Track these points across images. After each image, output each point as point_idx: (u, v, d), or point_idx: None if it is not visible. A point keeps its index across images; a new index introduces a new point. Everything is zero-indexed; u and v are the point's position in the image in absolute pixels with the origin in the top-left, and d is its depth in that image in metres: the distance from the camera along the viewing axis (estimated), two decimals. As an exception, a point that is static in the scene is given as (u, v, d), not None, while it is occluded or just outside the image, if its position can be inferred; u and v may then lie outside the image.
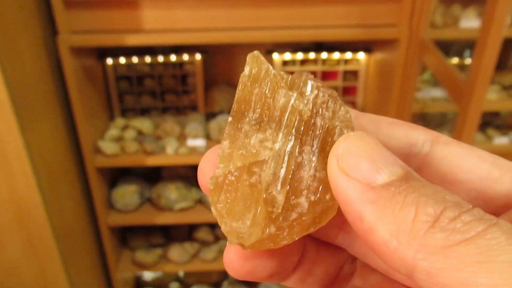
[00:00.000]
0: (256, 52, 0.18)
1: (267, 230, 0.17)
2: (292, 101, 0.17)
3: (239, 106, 0.18)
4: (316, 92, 0.18)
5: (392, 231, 0.13)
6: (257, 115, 0.18)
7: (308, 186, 0.17)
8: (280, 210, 0.17)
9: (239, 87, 0.18)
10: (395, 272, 0.15)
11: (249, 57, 0.18)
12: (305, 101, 0.17)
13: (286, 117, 0.17)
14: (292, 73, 0.18)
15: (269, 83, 0.18)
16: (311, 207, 0.17)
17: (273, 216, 0.17)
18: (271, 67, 0.18)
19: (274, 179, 0.17)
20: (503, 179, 0.16)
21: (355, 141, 0.15)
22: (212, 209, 0.18)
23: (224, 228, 0.17)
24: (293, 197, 0.17)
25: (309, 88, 0.18)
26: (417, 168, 0.18)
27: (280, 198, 0.17)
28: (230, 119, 0.18)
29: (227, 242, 0.18)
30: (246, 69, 0.18)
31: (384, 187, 0.14)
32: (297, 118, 0.17)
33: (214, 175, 0.18)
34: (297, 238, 0.17)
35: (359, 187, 0.14)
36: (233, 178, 0.17)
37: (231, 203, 0.17)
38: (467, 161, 0.17)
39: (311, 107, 0.17)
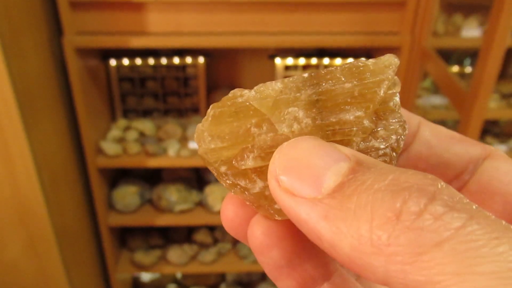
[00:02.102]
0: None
1: None
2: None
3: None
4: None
5: (353, 246, 0.12)
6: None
7: None
8: None
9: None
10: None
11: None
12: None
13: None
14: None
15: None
16: None
17: None
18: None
19: None
20: None
21: (288, 152, 0.14)
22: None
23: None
24: None
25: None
26: (466, 182, 0.18)
27: None
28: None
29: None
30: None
31: (331, 195, 0.12)
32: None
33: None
34: None
35: (307, 204, 0.13)
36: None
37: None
38: (508, 175, 0.16)
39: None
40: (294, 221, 0.13)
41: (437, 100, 1.23)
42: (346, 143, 0.16)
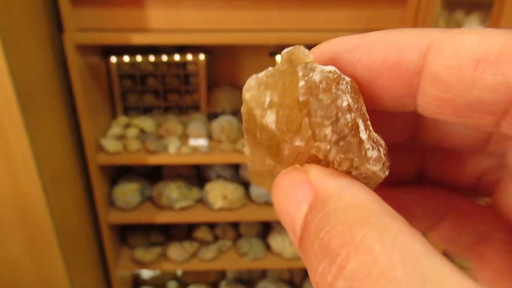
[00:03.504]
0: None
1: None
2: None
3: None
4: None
5: None
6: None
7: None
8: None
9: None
10: None
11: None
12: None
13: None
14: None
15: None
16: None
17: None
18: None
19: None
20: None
21: (275, 196, 0.14)
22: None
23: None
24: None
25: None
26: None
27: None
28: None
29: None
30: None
31: (300, 243, 0.13)
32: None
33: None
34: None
35: (296, 241, 0.14)
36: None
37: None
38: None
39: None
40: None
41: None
42: (326, 165, 0.15)
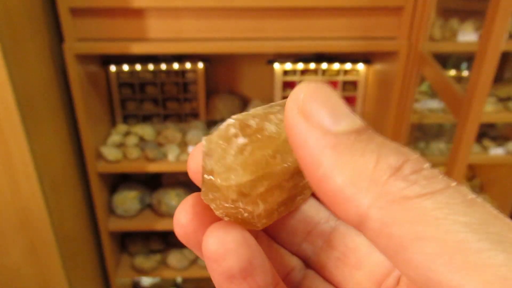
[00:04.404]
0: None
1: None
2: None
3: None
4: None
5: (351, 177, 0.13)
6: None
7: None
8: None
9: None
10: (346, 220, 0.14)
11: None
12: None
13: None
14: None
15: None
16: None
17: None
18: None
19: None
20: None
21: (316, 89, 0.15)
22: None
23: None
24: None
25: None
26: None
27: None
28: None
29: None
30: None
31: (344, 134, 0.14)
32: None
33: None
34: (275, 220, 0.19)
35: (319, 132, 0.14)
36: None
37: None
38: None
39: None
40: (298, 144, 0.14)
41: (434, 104, 1.24)
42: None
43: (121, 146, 1.22)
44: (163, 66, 1.24)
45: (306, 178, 0.15)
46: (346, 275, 0.19)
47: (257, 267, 0.17)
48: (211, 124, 1.30)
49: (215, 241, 0.16)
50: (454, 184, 0.12)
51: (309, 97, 0.14)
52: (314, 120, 0.14)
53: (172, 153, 1.18)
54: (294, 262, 0.21)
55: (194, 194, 0.19)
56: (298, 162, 0.15)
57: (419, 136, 1.32)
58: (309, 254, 0.20)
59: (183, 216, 0.18)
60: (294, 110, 0.14)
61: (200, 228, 0.18)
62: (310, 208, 0.21)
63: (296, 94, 0.15)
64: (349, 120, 0.14)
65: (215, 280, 0.17)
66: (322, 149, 0.13)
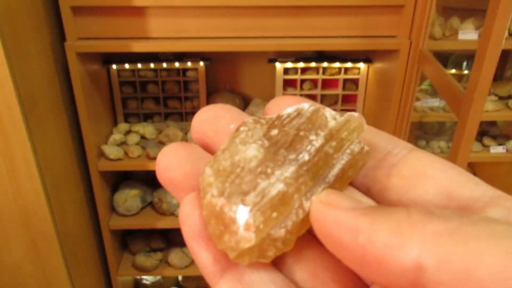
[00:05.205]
0: None
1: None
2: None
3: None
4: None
5: (392, 228, 0.13)
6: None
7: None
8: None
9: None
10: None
11: None
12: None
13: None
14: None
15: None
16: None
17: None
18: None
19: None
20: (468, 184, 0.17)
21: (331, 192, 0.16)
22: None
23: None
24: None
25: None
26: (392, 165, 0.19)
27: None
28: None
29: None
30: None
31: (369, 207, 0.15)
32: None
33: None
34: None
35: (346, 211, 0.15)
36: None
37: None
38: (438, 163, 0.18)
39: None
40: (329, 225, 0.15)
41: (435, 102, 1.24)
42: None
43: (122, 145, 1.23)
44: (164, 65, 1.25)
45: (344, 261, 0.15)
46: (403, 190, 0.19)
47: None
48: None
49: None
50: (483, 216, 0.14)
51: (329, 194, 0.16)
52: (338, 206, 0.15)
53: (173, 152, 1.18)
54: None
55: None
56: (332, 249, 0.15)
57: (420, 134, 1.32)
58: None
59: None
60: (319, 203, 0.16)
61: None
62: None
63: (317, 197, 0.17)
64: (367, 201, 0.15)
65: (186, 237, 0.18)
66: (355, 218, 0.14)
